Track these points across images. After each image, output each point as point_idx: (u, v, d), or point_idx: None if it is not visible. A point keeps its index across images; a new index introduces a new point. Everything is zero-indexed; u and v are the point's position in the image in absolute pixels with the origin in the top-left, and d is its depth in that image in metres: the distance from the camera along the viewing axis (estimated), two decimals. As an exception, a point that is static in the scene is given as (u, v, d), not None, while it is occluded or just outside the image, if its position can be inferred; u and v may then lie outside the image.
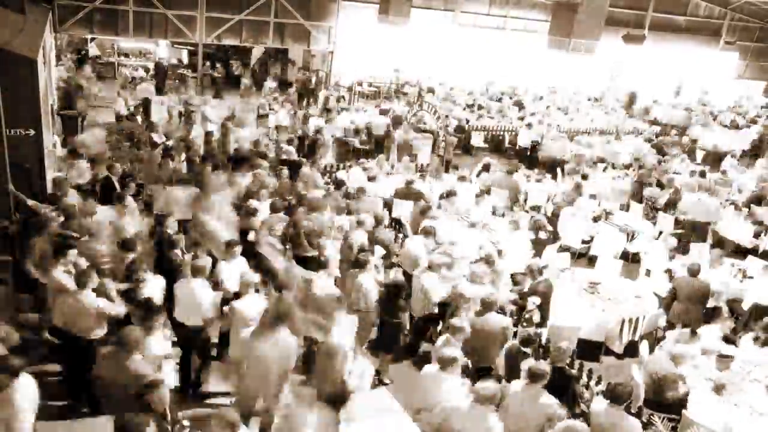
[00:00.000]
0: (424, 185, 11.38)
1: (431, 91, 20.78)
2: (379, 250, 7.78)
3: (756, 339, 7.23)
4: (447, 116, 15.83)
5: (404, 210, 10.06)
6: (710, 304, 8.47)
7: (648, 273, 9.51)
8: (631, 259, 10.51)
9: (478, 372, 6.24)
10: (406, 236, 9.22)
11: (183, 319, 6.33)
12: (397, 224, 9.98)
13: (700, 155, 17.64)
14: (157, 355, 5.44)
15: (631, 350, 8.00)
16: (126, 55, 21.83)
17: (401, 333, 7.44)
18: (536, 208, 11.92)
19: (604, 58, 22.71)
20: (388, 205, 10.33)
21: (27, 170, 8.24)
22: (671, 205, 12.06)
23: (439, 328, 7.70)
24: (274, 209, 8.49)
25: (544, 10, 23.25)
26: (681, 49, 25.45)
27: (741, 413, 5.94)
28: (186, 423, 4.61)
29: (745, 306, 8.74)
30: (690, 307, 8.09)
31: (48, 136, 9.87)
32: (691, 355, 6.52)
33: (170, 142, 11.49)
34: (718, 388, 6.06)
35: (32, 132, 8.15)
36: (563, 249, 9.98)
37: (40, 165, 8.45)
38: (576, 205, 11.27)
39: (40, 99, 8.33)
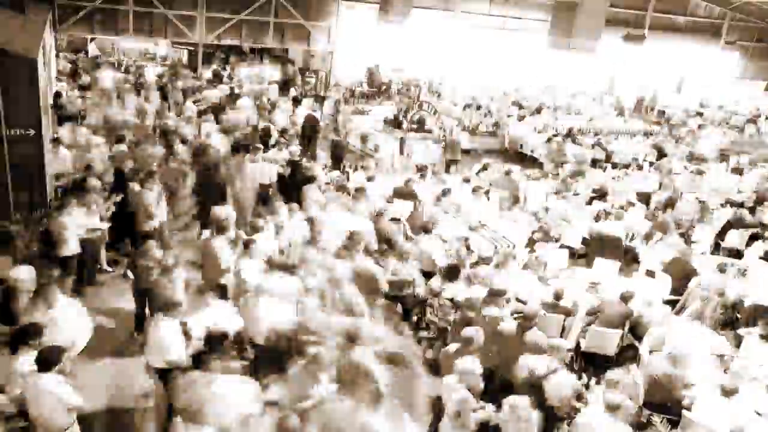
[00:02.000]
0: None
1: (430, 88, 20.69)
2: None
3: (762, 337, 7.20)
4: (446, 116, 15.82)
5: (404, 209, 10.05)
6: (707, 303, 8.45)
7: (648, 273, 9.49)
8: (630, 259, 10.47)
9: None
10: (406, 235, 9.23)
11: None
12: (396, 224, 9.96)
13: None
14: None
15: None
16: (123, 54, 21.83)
17: None
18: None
19: (604, 57, 22.73)
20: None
21: (27, 170, 8.23)
22: (671, 205, 12.04)
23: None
24: None
25: (544, 10, 23.25)
26: (681, 49, 25.44)
27: (742, 413, 5.92)
28: None
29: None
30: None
31: (48, 136, 9.86)
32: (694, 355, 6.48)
33: None
34: (728, 392, 5.88)
35: (32, 132, 8.13)
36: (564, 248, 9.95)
37: (40, 165, 8.45)
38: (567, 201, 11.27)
39: (40, 99, 8.33)
